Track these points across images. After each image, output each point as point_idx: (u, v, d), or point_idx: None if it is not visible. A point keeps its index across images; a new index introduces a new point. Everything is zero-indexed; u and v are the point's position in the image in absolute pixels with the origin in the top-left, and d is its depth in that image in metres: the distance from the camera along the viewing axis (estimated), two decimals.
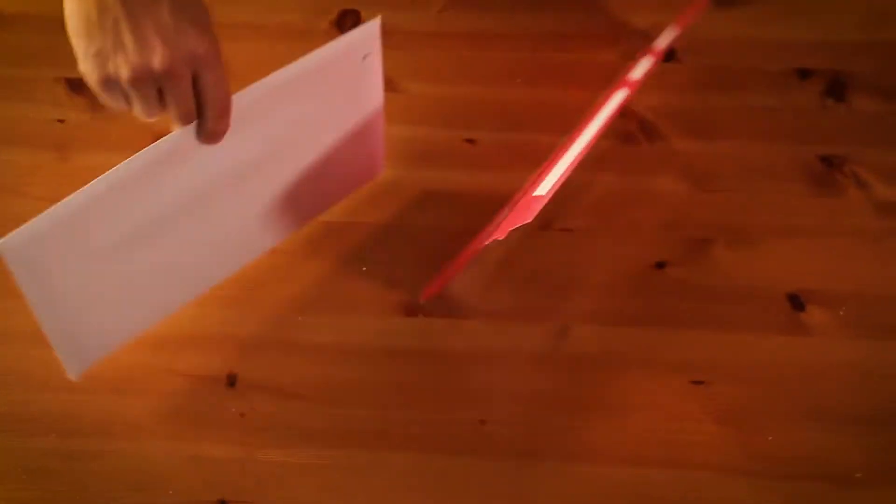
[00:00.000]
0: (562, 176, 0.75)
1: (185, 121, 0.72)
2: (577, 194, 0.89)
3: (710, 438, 0.81)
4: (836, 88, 0.93)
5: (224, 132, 0.73)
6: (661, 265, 0.87)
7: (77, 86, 0.94)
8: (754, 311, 0.86)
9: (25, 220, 0.66)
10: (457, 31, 0.95)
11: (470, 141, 0.92)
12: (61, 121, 0.93)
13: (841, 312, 0.85)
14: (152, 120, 0.72)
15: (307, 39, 0.96)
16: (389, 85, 0.93)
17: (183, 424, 0.84)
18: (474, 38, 0.96)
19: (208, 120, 0.72)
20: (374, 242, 0.89)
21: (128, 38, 0.68)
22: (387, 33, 0.95)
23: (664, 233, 0.89)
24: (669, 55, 0.94)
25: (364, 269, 0.88)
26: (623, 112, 0.92)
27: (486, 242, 0.77)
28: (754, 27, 0.95)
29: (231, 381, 0.85)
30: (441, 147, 0.92)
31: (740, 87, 0.93)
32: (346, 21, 0.96)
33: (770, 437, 0.81)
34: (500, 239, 0.73)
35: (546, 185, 0.74)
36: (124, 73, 0.69)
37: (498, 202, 0.89)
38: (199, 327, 0.87)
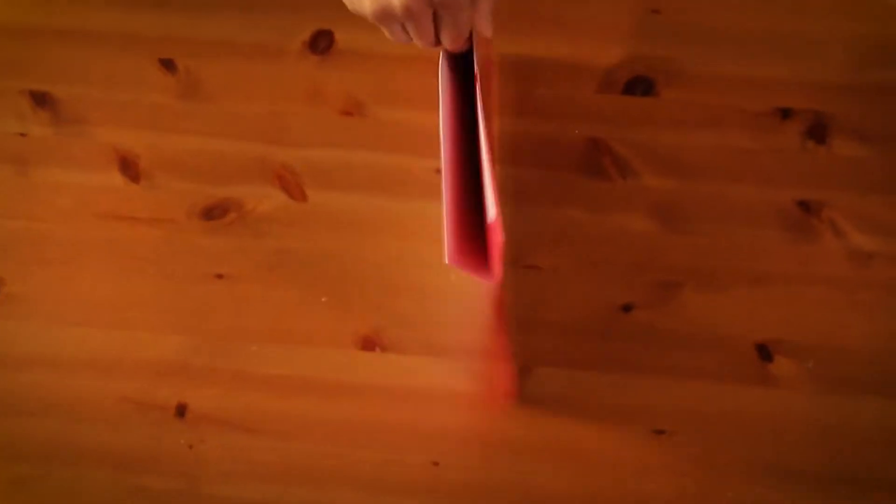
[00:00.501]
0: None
1: (457, 44, 0.75)
2: (544, 230, 0.87)
3: (668, 491, 0.79)
4: (818, 131, 0.90)
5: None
6: (627, 308, 0.85)
7: (41, 100, 0.92)
8: (721, 360, 0.83)
9: None
10: (429, 55, 0.93)
11: (438, 171, 0.89)
12: (23, 134, 0.91)
13: (809, 365, 0.83)
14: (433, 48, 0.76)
15: (279, 60, 0.94)
16: (357, 109, 0.92)
17: (129, 454, 0.82)
18: None
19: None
20: (336, 272, 0.87)
21: None
22: (359, 55, 0.94)
23: (632, 274, 0.86)
24: (648, 88, 0.92)
25: (324, 299, 0.86)
26: (596, 145, 0.90)
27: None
28: (736, 64, 0.92)
29: (181, 411, 0.83)
30: (405, 175, 0.90)
31: (719, 124, 0.91)
32: (320, 42, 0.94)
33: (729, 494, 0.79)
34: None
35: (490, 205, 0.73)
36: (367, 9, 0.72)
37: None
38: (152, 353, 0.85)
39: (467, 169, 0.81)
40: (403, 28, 0.74)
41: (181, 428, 0.83)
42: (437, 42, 0.75)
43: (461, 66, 0.80)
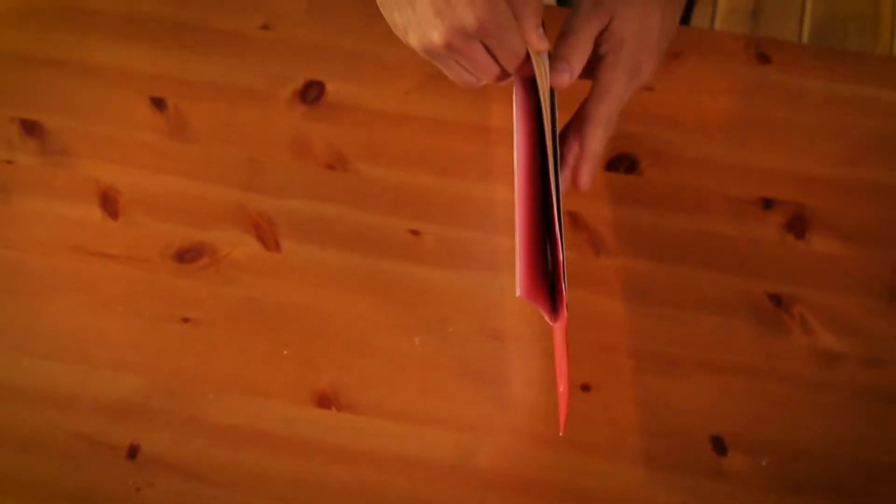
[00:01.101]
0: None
1: (515, 64, 0.72)
2: (511, 300, 0.87)
3: None
4: (798, 224, 0.89)
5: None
6: (586, 388, 0.85)
7: (31, 128, 0.93)
8: (673, 448, 0.83)
9: None
10: (419, 115, 0.93)
11: (414, 232, 0.90)
12: (9, 162, 0.92)
13: (763, 462, 0.82)
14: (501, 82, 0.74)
15: (268, 106, 0.95)
16: (341, 164, 0.92)
17: (78, 492, 0.82)
18: (436, 124, 0.93)
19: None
20: (302, 326, 0.87)
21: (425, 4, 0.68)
22: (348, 109, 0.94)
23: (594, 353, 0.86)
24: (631, 166, 0.91)
25: (286, 352, 0.86)
26: (575, 221, 0.90)
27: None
28: (724, 148, 0.92)
29: (132, 452, 0.83)
30: (384, 234, 0.90)
31: (700, 209, 0.90)
32: (311, 92, 0.94)
33: None
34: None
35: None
36: (436, 38, 0.69)
37: (431, 297, 0.87)
38: (111, 392, 0.85)
39: (539, 201, 0.80)
40: (461, 65, 0.73)
41: (131, 469, 0.83)
42: (502, 73, 0.74)
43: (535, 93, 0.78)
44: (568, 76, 0.74)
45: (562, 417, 0.80)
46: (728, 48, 0.97)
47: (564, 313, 0.74)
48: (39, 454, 0.84)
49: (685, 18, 1.18)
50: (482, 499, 0.82)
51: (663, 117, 0.94)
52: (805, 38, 1.92)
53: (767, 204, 0.90)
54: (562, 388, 0.78)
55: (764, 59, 0.96)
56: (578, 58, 0.74)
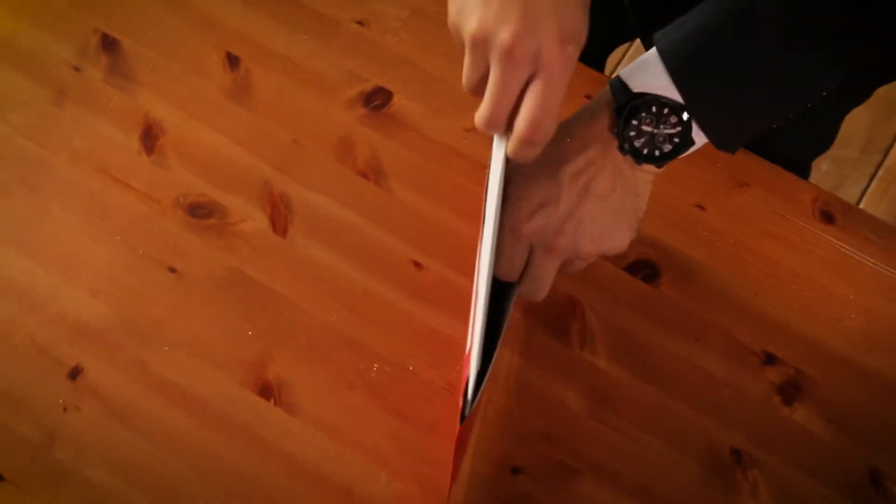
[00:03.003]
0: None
1: (492, 111, 0.67)
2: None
3: None
4: (790, 390, 0.85)
5: (528, 151, 0.68)
6: (516, 470, 0.83)
7: (109, 44, 0.96)
8: None
9: None
10: (467, 155, 0.93)
11: (417, 265, 0.89)
12: (77, 69, 0.95)
13: None
14: (469, 92, 0.70)
15: (331, 98, 0.95)
16: (375, 176, 0.92)
17: (11, 390, 0.84)
18: (480, 168, 0.92)
19: (517, 126, 0.67)
20: (274, 315, 0.88)
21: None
22: (404, 127, 0.94)
23: (541, 443, 0.84)
24: (651, 276, 0.89)
25: (250, 333, 0.87)
26: (573, 307, 0.88)
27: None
28: (750, 291, 0.88)
29: (74, 373, 0.85)
30: (388, 256, 0.90)
31: (700, 341, 0.87)
32: (376, 98, 0.95)
33: None
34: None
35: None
36: (469, 25, 0.66)
37: (407, 331, 0.87)
38: (77, 311, 0.87)
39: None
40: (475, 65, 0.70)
41: (67, 389, 0.85)
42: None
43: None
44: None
45: None
46: (796, 195, 0.93)
47: (457, 426, 0.71)
48: None
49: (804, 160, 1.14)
50: None
51: (703, 240, 0.91)
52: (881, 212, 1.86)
53: (769, 359, 0.87)
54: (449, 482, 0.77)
55: (827, 217, 0.92)
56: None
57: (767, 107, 0.71)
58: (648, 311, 0.88)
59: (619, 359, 0.87)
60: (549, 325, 0.88)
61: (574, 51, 0.66)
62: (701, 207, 0.92)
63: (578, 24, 0.66)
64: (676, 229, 0.91)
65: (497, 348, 0.72)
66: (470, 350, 0.70)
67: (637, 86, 0.70)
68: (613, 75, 0.72)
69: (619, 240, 0.76)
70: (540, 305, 0.87)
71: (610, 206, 0.74)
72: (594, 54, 1.00)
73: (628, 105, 0.70)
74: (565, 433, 0.85)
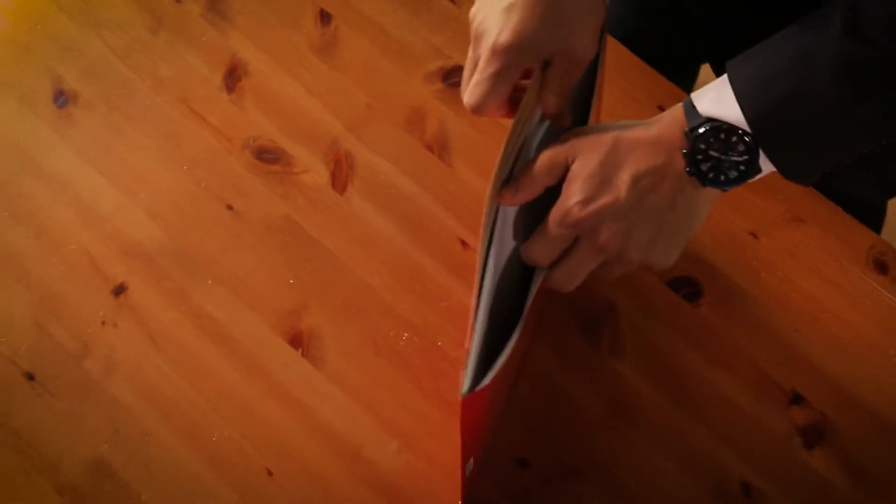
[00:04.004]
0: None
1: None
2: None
3: None
4: (813, 434, 0.84)
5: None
6: (523, 463, 0.83)
7: None
8: None
9: None
10: None
11: (464, 244, 0.90)
12: (178, 1, 0.99)
13: None
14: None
15: (411, 70, 0.97)
16: (441, 151, 0.93)
17: (56, 295, 0.88)
18: None
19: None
20: (318, 269, 0.90)
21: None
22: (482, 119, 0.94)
23: (550, 441, 0.84)
24: (693, 295, 0.89)
25: (291, 281, 0.89)
26: (610, 310, 0.88)
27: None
28: (791, 328, 0.87)
29: (118, 290, 0.88)
30: (438, 231, 0.91)
31: (730, 369, 0.86)
32: (455, 75, 0.96)
33: None
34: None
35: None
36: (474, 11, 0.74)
37: (444, 307, 0.88)
38: (133, 232, 0.90)
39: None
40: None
41: (108, 304, 0.88)
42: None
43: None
44: (510, 196, 0.72)
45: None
46: (852, 238, 0.91)
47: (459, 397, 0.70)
48: (46, 247, 0.90)
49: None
50: (358, 493, 0.83)
51: (751, 268, 0.90)
52: None
53: (796, 399, 0.86)
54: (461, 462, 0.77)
55: (881, 267, 0.90)
56: (526, 182, 0.72)
57: (839, 143, 0.70)
58: (683, 330, 0.88)
59: (645, 370, 0.87)
60: (582, 325, 0.88)
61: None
62: (754, 236, 0.91)
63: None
64: (726, 253, 0.90)
65: (517, 332, 0.72)
66: (473, 325, 0.70)
67: (708, 111, 0.70)
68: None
69: (664, 256, 0.75)
70: (576, 303, 0.88)
71: (665, 220, 0.73)
72: (668, 69, 0.99)
73: (697, 129, 0.70)
74: (578, 435, 0.85)
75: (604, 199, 0.72)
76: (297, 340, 0.87)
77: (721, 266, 0.90)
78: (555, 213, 0.71)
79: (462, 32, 0.98)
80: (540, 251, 0.74)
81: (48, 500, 0.83)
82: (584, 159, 0.71)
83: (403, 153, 0.94)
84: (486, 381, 0.67)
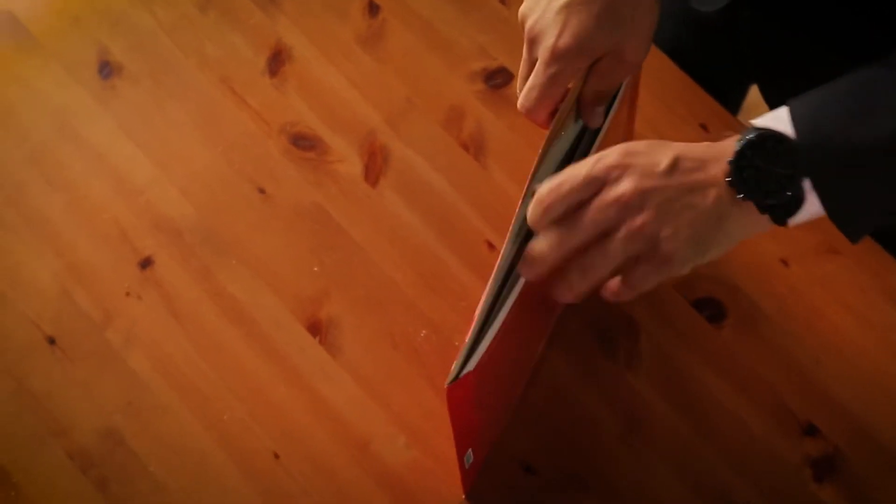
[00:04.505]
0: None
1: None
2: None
3: None
4: (824, 467, 0.83)
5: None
6: (529, 469, 0.83)
7: None
8: None
9: None
10: None
11: (491, 246, 0.90)
12: None
13: None
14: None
15: (454, 68, 0.97)
16: (476, 151, 0.93)
17: (83, 264, 0.89)
18: None
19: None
20: (343, 257, 0.90)
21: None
22: (517, 111, 0.94)
23: (558, 449, 0.84)
24: (716, 317, 0.88)
25: (315, 269, 0.90)
26: (630, 325, 0.88)
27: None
28: (811, 359, 0.86)
29: (145, 263, 0.89)
30: (465, 232, 0.91)
31: (746, 393, 0.85)
32: (498, 76, 0.96)
33: None
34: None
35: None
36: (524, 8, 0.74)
37: (465, 307, 0.88)
38: (165, 206, 0.91)
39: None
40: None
41: (134, 276, 0.89)
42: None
43: None
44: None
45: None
46: (885, 274, 0.90)
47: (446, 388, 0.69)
48: (77, 213, 0.92)
49: None
50: (362, 484, 0.83)
51: (777, 295, 0.89)
52: None
53: (811, 430, 0.85)
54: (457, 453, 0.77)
55: None
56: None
57: (890, 183, 0.68)
58: (703, 350, 0.87)
59: (661, 388, 0.86)
60: (600, 336, 0.88)
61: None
62: (785, 263, 0.90)
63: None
64: (754, 277, 0.89)
65: (498, 320, 0.70)
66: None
67: (761, 124, 0.68)
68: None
69: (680, 260, 0.68)
70: (595, 314, 0.87)
71: (697, 224, 0.68)
72: (714, 88, 0.98)
73: (747, 135, 0.68)
74: (587, 446, 0.85)
75: (641, 160, 0.68)
76: (315, 328, 0.88)
77: (747, 290, 0.89)
78: (580, 167, 0.68)
79: (510, 34, 0.98)
80: (549, 242, 0.70)
81: (59, 462, 0.84)
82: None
83: (439, 150, 0.94)
84: (470, 366, 0.67)
